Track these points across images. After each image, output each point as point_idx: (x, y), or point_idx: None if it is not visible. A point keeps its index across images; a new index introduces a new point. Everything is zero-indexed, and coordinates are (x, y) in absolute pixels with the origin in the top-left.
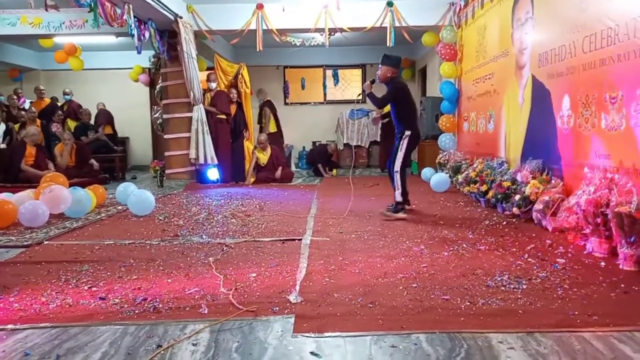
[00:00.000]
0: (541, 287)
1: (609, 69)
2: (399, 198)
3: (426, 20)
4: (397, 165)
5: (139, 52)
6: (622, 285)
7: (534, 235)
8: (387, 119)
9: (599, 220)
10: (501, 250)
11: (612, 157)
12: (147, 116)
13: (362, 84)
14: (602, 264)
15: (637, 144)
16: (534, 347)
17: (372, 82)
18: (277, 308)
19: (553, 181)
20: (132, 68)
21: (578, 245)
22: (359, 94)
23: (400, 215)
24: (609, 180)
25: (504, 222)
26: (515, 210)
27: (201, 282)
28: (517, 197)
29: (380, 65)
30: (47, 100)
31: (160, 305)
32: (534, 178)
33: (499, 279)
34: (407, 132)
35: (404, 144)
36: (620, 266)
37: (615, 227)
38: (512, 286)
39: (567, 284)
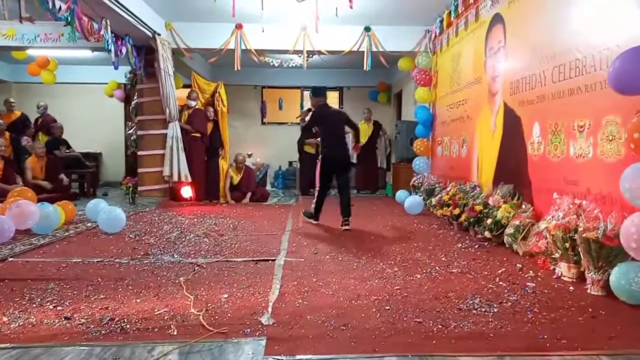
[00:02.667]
0: (512, 311)
1: (577, 99)
2: (312, 207)
3: (402, 45)
4: (316, 183)
5: (115, 68)
6: (590, 310)
7: (505, 259)
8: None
9: (567, 245)
10: (473, 273)
11: (580, 184)
12: (121, 132)
13: (301, 113)
14: (571, 288)
15: (604, 171)
16: None
17: (309, 110)
18: (249, 330)
19: (524, 206)
20: (107, 83)
21: (548, 270)
22: (298, 116)
23: (312, 221)
24: (577, 206)
25: (476, 246)
26: (487, 234)
27: (171, 302)
28: (489, 221)
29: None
30: (18, 113)
31: (128, 326)
32: (505, 202)
33: (470, 302)
34: (321, 155)
35: (317, 164)
36: (588, 290)
37: (583, 252)
38: (484, 309)
39: (537, 307)
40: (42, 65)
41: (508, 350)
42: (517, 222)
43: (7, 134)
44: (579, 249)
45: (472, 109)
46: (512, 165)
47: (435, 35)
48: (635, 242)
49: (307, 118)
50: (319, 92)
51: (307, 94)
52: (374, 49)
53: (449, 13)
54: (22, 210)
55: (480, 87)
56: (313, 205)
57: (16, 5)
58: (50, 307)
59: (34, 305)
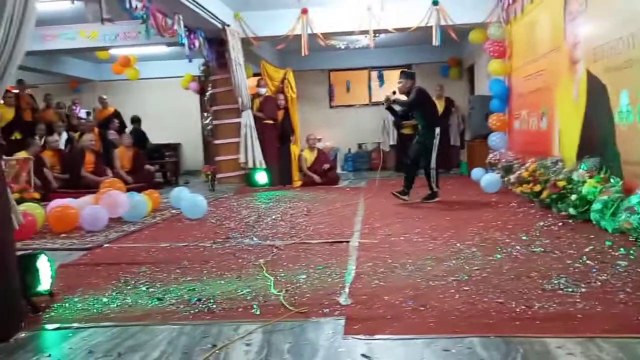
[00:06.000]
0: (601, 291)
1: None
2: (435, 188)
3: (473, 17)
4: (433, 164)
5: (190, 61)
6: None
7: (592, 236)
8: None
9: None
10: (557, 252)
11: None
12: (198, 123)
13: (388, 95)
14: None
15: None
16: (595, 353)
17: (394, 92)
18: (328, 310)
19: (612, 180)
20: (182, 76)
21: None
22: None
23: (437, 199)
24: None
25: (560, 224)
26: (571, 210)
27: (252, 283)
28: (574, 197)
29: (400, 80)
30: (111, 110)
31: (214, 306)
32: (590, 177)
33: (555, 282)
34: (437, 130)
35: (436, 142)
36: None
37: None
38: (570, 290)
39: (629, 287)
40: (125, 64)
41: (599, 332)
42: (605, 197)
43: (96, 129)
44: None
45: (552, 79)
46: (598, 136)
47: (509, 4)
48: None
49: (398, 99)
50: (413, 75)
51: (374, 74)
52: (443, 23)
53: None
54: (113, 200)
55: (560, 55)
56: (434, 183)
57: (97, 8)
58: (143, 288)
59: (129, 288)
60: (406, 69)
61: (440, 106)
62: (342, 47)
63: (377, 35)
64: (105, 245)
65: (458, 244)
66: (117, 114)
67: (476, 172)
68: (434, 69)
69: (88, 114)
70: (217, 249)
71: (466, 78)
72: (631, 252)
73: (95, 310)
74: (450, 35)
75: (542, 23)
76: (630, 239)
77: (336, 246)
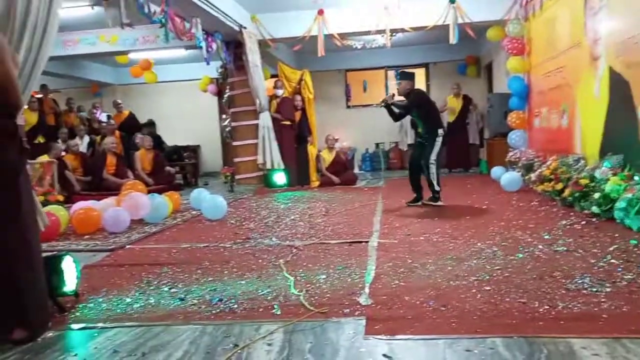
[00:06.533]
0: (627, 290)
1: None
2: (437, 187)
3: (491, 14)
4: (432, 159)
5: (207, 63)
6: None
7: (616, 235)
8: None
9: None
10: (581, 251)
11: None
12: (217, 125)
13: (385, 96)
14: None
15: None
16: (622, 354)
17: (392, 95)
18: (348, 310)
19: (636, 177)
20: (201, 79)
21: None
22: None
23: (440, 203)
24: None
25: (583, 222)
26: (594, 209)
27: (273, 283)
28: (597, 195)
29: (399, 81)
30: (126, 113)
31: (236, 306)
32: (614, 175)
33: (579, 281)
34: (440, 131)
35: (438, 143)
36: None
37: None
38: (595, 289)
39: None
40: (144, 67)
41: (625, 333)
42: (630, 195)
43: (117, 132)
44: None
45: (572, 76)
46: (621, 133)
47: (527, 1)
48: None
49: (396, 102)
50: (413, 76)
51: (391, 74)
52: (460, 21)
53: None
54: (135, 202)
55: (580, 51)
56: (435, 181)
57: (117, 13)
58: (166, 289)
59: (152, 288)
60: (405, 70)
61: (458, 104)
62: (359, 47)
63: (393, 34)
64: (128, 246)
65: (479, 244)
66: (132, 117)
67: (496, 171)
68: (452, 68)
69: (109, 117)
70: (237, 249)
71: (484, 76)
72: None
73: (119, 311)
74: (468, 33)
75: (562, 19)
76: None
77: (355, 246)
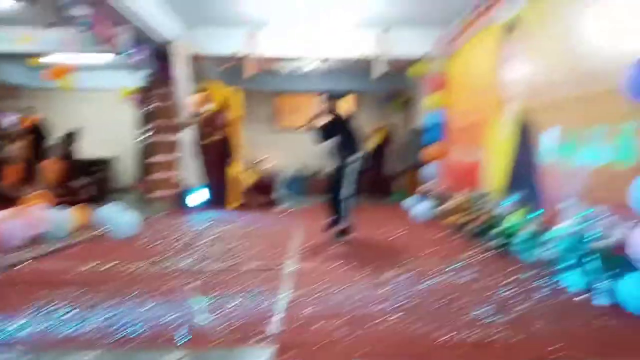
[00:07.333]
0: (521, 321)
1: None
2: (345, 224)
3: (414, 51)
4: (346, 193)
5: (132, 73)
6: (599, 319)
7: (513, 267)
8: None
9: (577, 254)
10: (481, 282)
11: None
12: (134, 137)
13: (311, 118)
14: (577, 298)
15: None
16: None
17: (314, 119)
18: (259, 337)
19: (534, 215)
20: (123, 88)
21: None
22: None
23: (349, 236)
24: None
25: (485, 254)
26: (496, 242)
27: (181, 308)
28: (498, 229)
29: (322, 102)
30: (36, 118)
31: (139, 332)
32: (515, 211)
33: (479, 311)
34: (355, 156)
35: (354, 168)
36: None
37: (593, 262)
38: (490, 320)
39: (546, 317)
40: (59, 72)
41: None
42: (527, 231)
43: (27, 138)
44: (589, 259)
45: (484, 115)
46: (524, 173)
47: (448, 41)
48: None
49: (314, 125)
50: (336, 98)
51: (320, 97)
52: (384, 56)
53: (463, 17)
54: (34, 215)
55: (492, 93)
56: (345, 218)
57: (41, 11)
58: (63, 312)
59: (46, 311)
60: (333, 93)
61: (379, 135)
62: (289, 71)
63: (322, 61)
64: (24, 263)
65: (389, 272)
66: (37, 125)
67: (408, 202)
68: (375, 99)
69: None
70: (145, 271)
71: (405, 109)
72: (549, 283)
73: (6, 335)
74: (392, 67)
75: (478, 61)
76: (548, 271)
77: (270, 271)
